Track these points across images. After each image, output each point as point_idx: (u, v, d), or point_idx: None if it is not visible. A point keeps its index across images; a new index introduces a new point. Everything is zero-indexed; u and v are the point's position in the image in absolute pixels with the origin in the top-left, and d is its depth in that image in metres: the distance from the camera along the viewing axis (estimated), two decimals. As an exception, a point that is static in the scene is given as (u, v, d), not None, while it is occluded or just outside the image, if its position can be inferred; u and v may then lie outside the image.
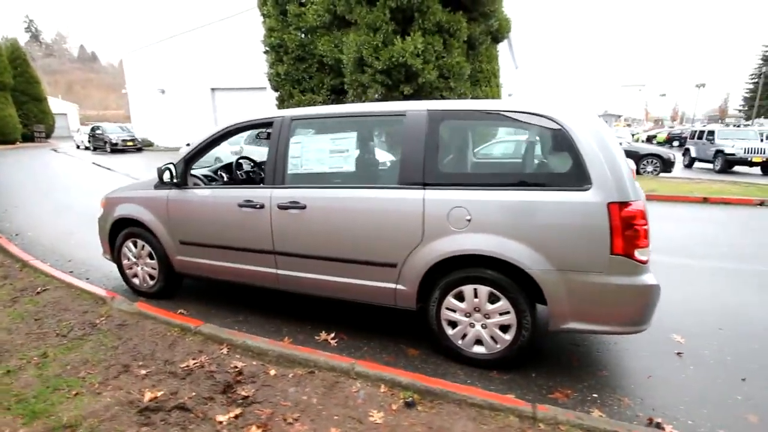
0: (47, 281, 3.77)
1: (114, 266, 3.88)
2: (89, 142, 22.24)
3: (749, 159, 13.30)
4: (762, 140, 14.11)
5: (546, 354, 2.74)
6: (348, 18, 10.72)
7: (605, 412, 2.17)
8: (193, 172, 3.45)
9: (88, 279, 4.05)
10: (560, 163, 2.30)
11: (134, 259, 3.60)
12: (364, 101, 10.92)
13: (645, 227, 2.16)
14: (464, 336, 2.55)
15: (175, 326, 2.89)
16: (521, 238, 2.28)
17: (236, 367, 2.47)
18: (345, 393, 2.23)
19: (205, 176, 3.58)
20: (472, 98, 11.67)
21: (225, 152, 10.96)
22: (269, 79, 13.34)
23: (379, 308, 2.81)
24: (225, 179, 3.76)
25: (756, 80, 47.51)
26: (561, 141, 2.28)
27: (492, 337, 2.49)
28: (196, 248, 3.24)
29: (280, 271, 2.96)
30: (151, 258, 3.51)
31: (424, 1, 9.52)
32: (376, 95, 10.24)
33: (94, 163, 15.38)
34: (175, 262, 3.39)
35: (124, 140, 21.44)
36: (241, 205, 2.96)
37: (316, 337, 2.94)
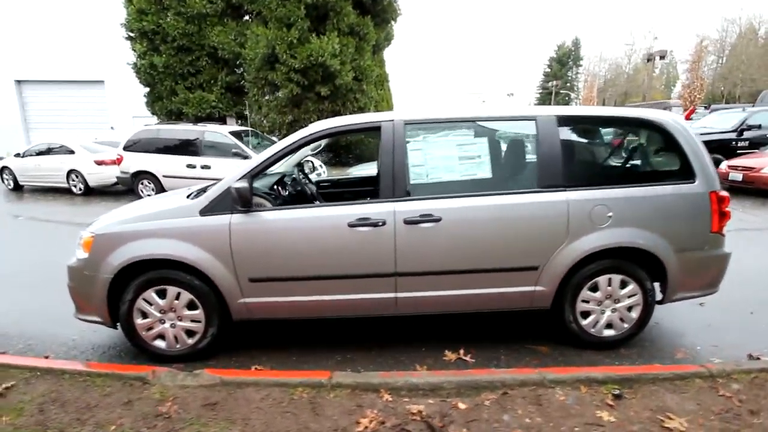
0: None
1: (76, 328, 2.93)
2: None
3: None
4: None
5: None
6: (248, 8, 9.57)
7: (721, 357, 2.70)
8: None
9: (47, 356, 2.76)
10: (670, 161, 2.72)
11: (158, 315, 2.63)
12: (273, 102, 9.97)
13: (729, 209, 2.75)
14: (596, 323, 2.77)
15: (296, 386, 2.27)
16: (651, 228, 2.61)
17: (420, 411, 2.12)
18: (557, 403, 2.17)
19: (266, 194, 2.84)
20: (375, 101, 12.00)
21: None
22: (139, 72, 10.84)
23: (476, 313, 2.75)
24: (287, 196, 3.05)
25: (541, 91, 61.55)
26: (668, 141, 2.70)
27: (621, 319, 2.77)
28: (278, 285, 2.58)
29: (400, 295, 2.62)
30: (192, 308, 2.62)
31: (338, 1, 9.30)
32: (290, 95, 9.46)
33: None
34: (236, 308, 2.62)
35: None
36: (352, 225, 2.50)
37: (445, 358, 2.72)
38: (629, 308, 2.76)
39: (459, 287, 2.62)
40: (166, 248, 2.52)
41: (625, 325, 2.78)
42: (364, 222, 2.50)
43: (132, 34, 10.84)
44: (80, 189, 9.80)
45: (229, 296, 2.59)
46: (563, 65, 56.55)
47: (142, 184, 8.82)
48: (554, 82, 45.92)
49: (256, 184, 3.01)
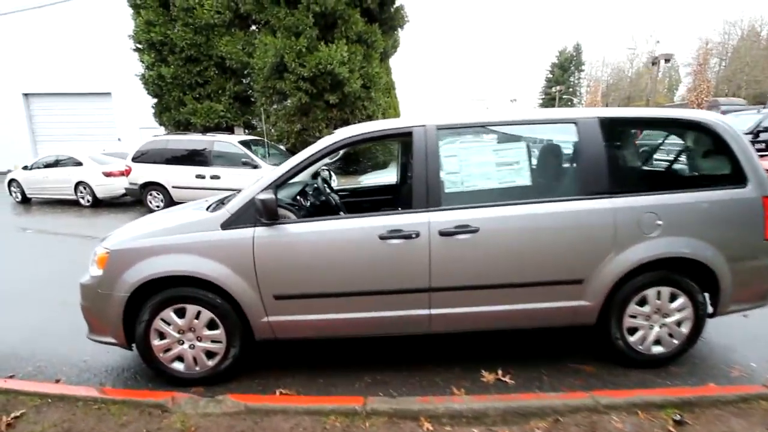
0: (5, 401, 2.26)
1: (88, 348, 2.81)
2: None
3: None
4: None
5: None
6: (256, 18, 9.56)
7: (779, 376, 2.50)
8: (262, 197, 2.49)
9: (58, 380, 2.61)
10: (720, 164, 2.54)
11: (177, 335, 2.47)
12: (281, 111, 9.90)
13: (783, 214, 2.56)
14: (644, 340, 2.58)
15: (328, 413, 2.09)
16: (703, 236, 2.43)
17: (465, 442, 1.94)
18: None
19: (290, 205, 2.69)
20: (383, 108, 11.89)
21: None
22: (147, 83, 10.84)
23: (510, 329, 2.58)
24: (310, 207, 2.90)
25: (543, 96, 61.31)
26: (717, 143, 2.53)
27: (670, 335, 2.58)
28: (304, 302, 2.42)
29: (434, 311, 2.45)
30: (213, 328, 2.46)
31: (346, 9, 9.24)
32: (299, 103, 9.38)
33: None
34: (260, 327, 2.46)
35: None
36: (384, 237, 2.34)
37: (483, 379, 2.54)
38: (679, 323, 2.57)
39: (498, 303, 2.45)
40: (185, 264, 2.37)
41: (675, 341, 2.59)
42: (396, 234, 2.34)
43: (140, 46, 10.84)
44: (88, 201, 9.72)
45: (252, 315, 2.43)
46: (565, 70, 56.42)
47: (150, 195, 8.72)
48: (557, 88, 45.91)
49: (279, 195, 2.87)
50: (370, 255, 2.37)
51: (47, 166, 10.24)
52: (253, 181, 2.64)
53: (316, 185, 3.22)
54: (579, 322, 2.54)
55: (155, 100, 11.60)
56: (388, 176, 8.44)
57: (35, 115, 19.15)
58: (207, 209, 2.65)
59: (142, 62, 10.92)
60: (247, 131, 11.58)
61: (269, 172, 2.50)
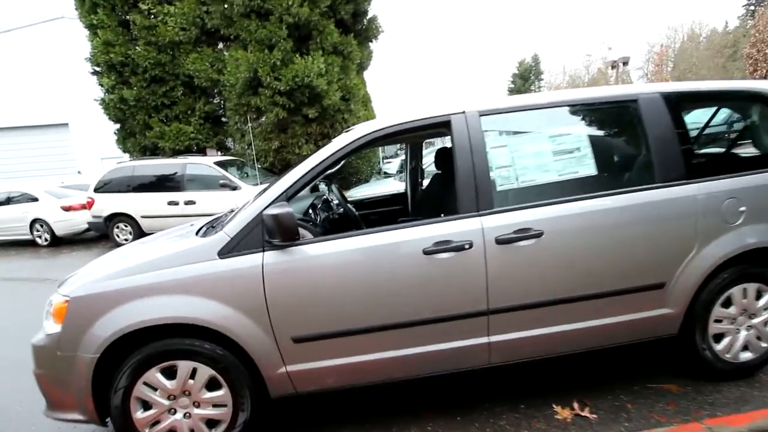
0: None
1: (45, 428, 2.17)
2: None
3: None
4: None
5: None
6: (225, 33, 9.04)
7: None
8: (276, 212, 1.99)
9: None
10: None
11: (167, 403, 1.88)
12: (257, 128, 9.34)
13: None
14: (731, 346, 2.20)
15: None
16: (789, 221, 2.11)
17: None
18: (755, 475, 1.56)
19: (303, 221, 2.17)
20: (363, 121, 11.49)
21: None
22: (107, 108, 9.97)
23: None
24: (325, 222, 2.38)
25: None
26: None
27: (758, 337, 2.22)
28: (332, 342, 1.90)
29: (494, 338, 1.99)
30: (214, 388, 1.90)
31: (320, 20, 8.89)
32: (276, 119, 8.85)
33: None
34: (276, 380, 1.91)
35: None
36: (429, 252, 1.87)
37: (557, 417, 2.07)
38: (766, 322, 2.21)
39: (569, 320, 2.02)
40: (174, 308, 1.81)
41: (763, 344, 2.23)
42: (444, 247, 1.87)
43: (98, 69, 10.06)
44: (46, 240, 8.77)
45: (265, 366, 1.89)
46: (526, 80, 58.34)
47: (117, 227, 7.91)
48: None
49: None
50: (413, 275, 1.89)
51: (-3, 204, 9.21)
52: (253, 196, 2.13)
53: (325, 197, 2.73)
54: (660, 333, 2.14)
55: (117, 126, 10.76)
56: (375, 189, 8.02)
57: (-18, 151, 17.67)
58: (196, 234, 2.11)
59: (102, 86, 10.12)
60: (220, 152, 10.92)
61: (278, 182, 1.99)
